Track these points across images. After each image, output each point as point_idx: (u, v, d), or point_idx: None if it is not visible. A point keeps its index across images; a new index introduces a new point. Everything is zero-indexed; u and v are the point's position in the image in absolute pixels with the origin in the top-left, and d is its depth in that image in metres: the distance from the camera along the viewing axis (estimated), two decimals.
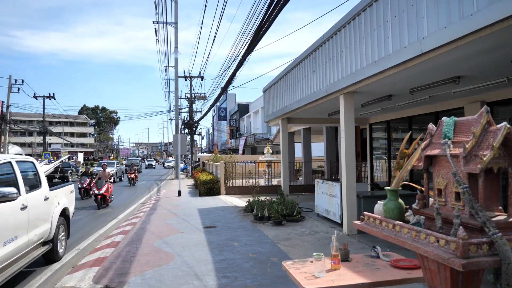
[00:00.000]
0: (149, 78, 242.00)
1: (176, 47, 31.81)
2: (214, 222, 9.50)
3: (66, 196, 7.22)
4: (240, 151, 38.59)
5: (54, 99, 40.01)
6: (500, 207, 2.04)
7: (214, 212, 11.18)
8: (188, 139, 34.56)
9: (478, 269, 1.84)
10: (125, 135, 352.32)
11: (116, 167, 29.76)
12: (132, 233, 8.29)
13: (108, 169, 16.86)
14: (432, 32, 4.85)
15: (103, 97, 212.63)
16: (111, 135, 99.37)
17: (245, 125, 45.13)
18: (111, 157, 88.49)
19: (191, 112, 34.03)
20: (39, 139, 61.53)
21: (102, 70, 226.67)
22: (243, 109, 46.22)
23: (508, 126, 1.92)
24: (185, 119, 36.41)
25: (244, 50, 10.45)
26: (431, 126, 2.34)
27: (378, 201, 2.52)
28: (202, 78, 31.73)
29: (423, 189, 2.39)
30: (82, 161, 63.24)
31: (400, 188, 2.40)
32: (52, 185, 7.12)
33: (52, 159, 37.87)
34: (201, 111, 39.08)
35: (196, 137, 47.88)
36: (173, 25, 31.70)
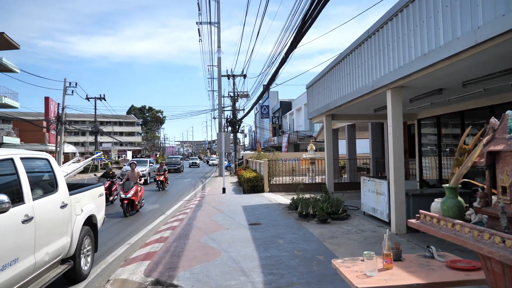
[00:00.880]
0: (193, 78, 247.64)
1: (218, 47, 32.26)
2: (258, 219, 9.55)
3: (93, 201, 6.08)
4: (283, 149, 38.52)
5: (105, 100, 41.99)
6: None
7: (258, 209, 11.23)
8: (231, 137, 35.01)
9: None
10: (171, 133, 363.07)
11: (150, 166, 26.16)
12: (180, 229, 8.51)
13: (138, 168, 14.68)
14: (489, 21, 4.57)
15: (150, 97, 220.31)
16: (157, 134, 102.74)
17: (287, 122, 44.98)
18: (157, 155, 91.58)
19: (234, 110, 34.41)
20: (91, 138, 64.83)
21: (149, 71, 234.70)
22: (286, 106, 46.07)
23: None
24: (228, 117, 36.88)
25: (287, 48, 10.43)
26: (493, 120, 2.20)
27: (435, 199, 2.41)
28: (244, 76, 31.99)
29: (484, 186, 2.26)
30: (130, 159, 65.88)
31: (459, 185, 2.28)
32: (78, 187, 6.21)
33: (103, 157, 39.68)
34: (243, 109, 39.47)
35: (239, 135, 48.39)
36: (216, 25, 32.15)
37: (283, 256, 6.05)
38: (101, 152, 32.60)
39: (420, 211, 2.47)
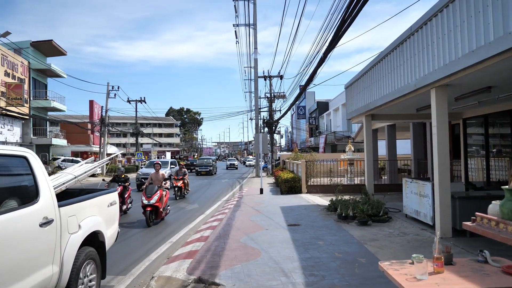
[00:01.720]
0: (229, 80, 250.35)
1: (255, 48, 32.44)
2: (297, 220, 9.52)
3: (100, 212, 4.74)
4: (320, 149, 38.13)
5: (145, 102, 43.28)
6: None
7: (297, 210, 11.19)
8: (268, 138, 35.11)
9: None
10: (208, 134, 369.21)
11: (171, 168, 23.67)
12: (219, 228, 8.63)
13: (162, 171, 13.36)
14: None
15: (188, 99, 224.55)
16: (195, 135, 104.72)
17: (324, 123, 44.48)
18: (195, 156, 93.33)
19: (271, 111, 34.45)
20: (132, 140, 67.06)
21: (187, 73, 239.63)
22: (323, 106, 45.58)
23: None
24: (265, 118, 36.97)
25: (325, 47, 10.33)
26: None
27: (493, 202, 2.31)
28: (281, 77, 31.97)
29: None
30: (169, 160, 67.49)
31: None
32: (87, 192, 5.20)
33: (143, 158, 40.91)
34: (280, 110, 39.42)
35: (276, 136, 48.36)
36: (252, 26, 32.36)
37: (323, 258, 5.99)
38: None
39: (477, 213, 2.38)
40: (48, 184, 3.77)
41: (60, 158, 35.94)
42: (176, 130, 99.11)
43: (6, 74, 28.63)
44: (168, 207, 11.30)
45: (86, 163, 7.27)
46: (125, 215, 11.72)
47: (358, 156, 18.15)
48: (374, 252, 6.32)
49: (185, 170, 17.38)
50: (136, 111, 43.37)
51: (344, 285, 4.79)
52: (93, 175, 33.14)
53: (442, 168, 7.29)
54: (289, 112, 49.42)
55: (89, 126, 42.26)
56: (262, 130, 36.97)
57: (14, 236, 3.12)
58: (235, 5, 30.80)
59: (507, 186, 2.21)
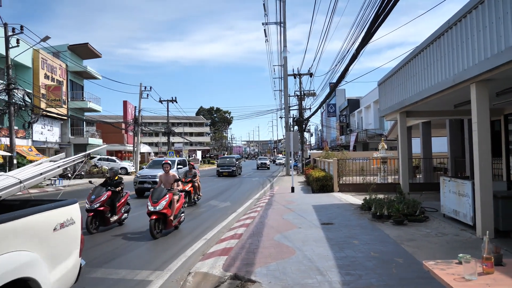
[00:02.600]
0: (258, 78, 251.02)
1: (284, 46, 32.32)
2: (330, 219, 9.43)
3: (34, 243, 2.96)
4: (351, 148, 37.57)
5: (176, 102, 44.03)
6: None
7: (329, 209, 11.08)
8: (298, 136, 34.94)
9: None
10: (237, 133, 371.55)
11: (178, 168, 19.15)
12: (252, 226, 8.68)
13: (156, 172, 13.36)
14: None
15: (217, 98, 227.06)
16: (225, 134, 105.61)
17: (355, 120, 43.79)
18: (225, 155, 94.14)
19: (301, 110, 34.26)
20: (164, 139, 68.43)
21: (216, 73, 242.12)
22: (353, 104, 44.89)
23: None
24: (295, 116, 36.80)
25: (357, 44, 10.16)
26: None
27: None
28: (311, 75, 31.74)
29: None
30: (200, 159, 68.45)
31: None
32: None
33: (175, 156, 41.67)
34: (310, 108, 39.15)
35: (305, 134, 48.01)
36: (281, 24, 32.26)
37: (359, 257, 5.91)
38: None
39: None
40: None
41: (96, 157, 37.15)
42: (206, 129, 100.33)
43: (46, 76, 29.88)
44: (182, 214, 9.43)
45: (48, 161, 5.41)
46: (107, 231, 9.11)
47: (392, 154, 17.76)
48: (411, 252, 6.17)
49: (196, 171, 14.67)
50: (167, 110, 44.22)
51: (381, 285, 4.71)
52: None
53: (483, 166, 7.03)
54: (319, 110, 49.00)
55: (123, 125, 43.46)
56: (292, 129, 36.83)
57: None
58: (264, 4, 30.81)
59: None
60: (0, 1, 19.16)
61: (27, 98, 22.89)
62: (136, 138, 38.89)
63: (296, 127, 36.19)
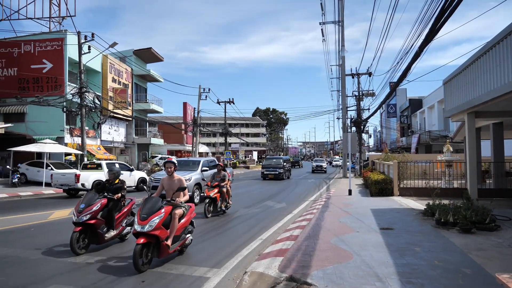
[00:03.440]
0: (315, 79, 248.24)
1: (342, 45, 31.68)
2: (390, 223, 9.07)
3: None
4: (413, 150, 35.90)
5: (233, 103, 44.87)
6: None
7: (389, 213, 10.67)
8: (356, 137, 34.05)
9: None
10: (293, 134, 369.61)
11: (203, 170, 15.29)
12: (308, 228, 8.59)
13: (185, 175, 11.95)
14: None
15: (274, 99, 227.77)
16: (281, 135, 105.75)
17: (417, 121, 41.77)
18: (281, 155, 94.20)
19: (359, 110, 33.37)
20: (221, 139, 70.00)
21: (272, 74, 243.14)
22: (415, 104, 42.84)
23: None
24: (353, 117, 35.92)
25: (420, 41, 9.67)
26: None
27: None
28: (370, 74, 30.82)
29: None
30: (256, 159, 69.02)
31: None
32: None
33: (232, 157, 42.38)
34: (369, 109, 38.02)
35: (364, 136, 46.65)
36: (339, 23, 31.65)
37: (421, 265, 5.62)
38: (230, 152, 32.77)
39: None
40: None
41: (157, 156, 38.92)
42: (263, 130, 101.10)
43: (113, 80, 31.83)
44: (189, 235, 6.84)
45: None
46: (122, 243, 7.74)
47: (458, 157, 16.72)
48: (481, 263, 5.75)
49: (226, 173, 11.98)
50: (225, 111, 45.17)
51: None
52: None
53: None
54: (378, 111, 47.50)
55: (183, 126, 45.10)
56: (350, 130, 35.98)
57: None
58: (321, 3, 30.44)
59: None
60: (75, 11, 20.69)
61: (96, 101, 24.55)
62: (194, 138, 40.18)
63: (354, 128, 35.31)
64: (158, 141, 40.26)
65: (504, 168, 15.71)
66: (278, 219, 10.87)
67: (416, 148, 36.29)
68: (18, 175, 20.43)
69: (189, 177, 13.94)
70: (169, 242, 6.00)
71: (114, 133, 32.82)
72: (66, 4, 32.01)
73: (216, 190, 11.35)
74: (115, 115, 30.30)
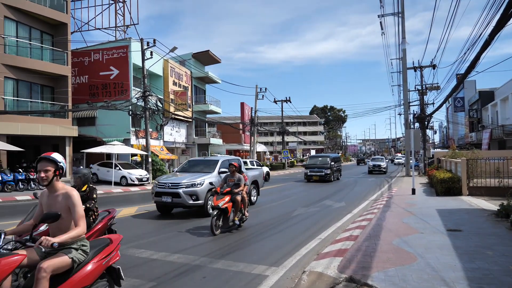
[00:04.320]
0: (374, 74, 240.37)
1: (403, 38, 30.29)
2: (458, 225, 8.53)
3: None
4: (484, 146, 33.44)
5: (290, 102, 44.77)
6: None
7: (457, 214, 10.04)
8: (420, 134, 32.41)
9: None
10: (352, 132, 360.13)
11: (220, 172, 12.04)
12: (369, 228, 8.34)
13: (195, 178, 10.76)
14: None
15: (331, 97, 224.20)
16: (339, 133, 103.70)
17: (489, 115, 38.83)
18: (340, 154, 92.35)
19: (422, 105, 31.73)
20: (278, 138, 70.16)
21: (329, 71, 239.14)
22: (486, 97, 39.85)
23: None
24: (415, 112, 34.25)
25: (490, 29, 8.98)
26: None
27: None
28: (434, 67, 29.19)
29: None
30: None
31: None
32: None
33: (289, 155, 42.35)
34: (433, 103, 36.04)
35: (428, 132, 44.28)
36: (399, 15, 30.30)
37: (494, 270, 5.23)
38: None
39: None
40: None
41: (217, 155, 39.93)
42: (320, 128, 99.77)
43: (174, 83, 33.16)
44: None
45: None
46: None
47: None
48: None
49: (241, 175, 9.35)
50: (282, 110, 45.19)
51: None
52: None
53: None
54: (444, 105, 44.83)
55: (241, 126, 45.84)
56: (413, 126, 34.36)
57: None
58: None
59: None
60: (137, 19, 21.85)
61: (159, 103, 25.74)
62: (252, 137, 40.66)
63: (417, 124, 33.65)
64: (217, 141, 41.30)
65: None
66: (337, 219, 10.67)
67: (488, 144, 33.76)
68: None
69: (201, 181, 11.06)
70: None
71: (175, 134, 34.19)
72: (130, 13, 33.97)
73: (227, 199, 8.76)
74: (176, 116, 31.54)
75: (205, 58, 38.42)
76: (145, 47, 24.06)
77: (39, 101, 23.93)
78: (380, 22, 31.34)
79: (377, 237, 7.40)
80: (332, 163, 26.55)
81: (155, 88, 29.04)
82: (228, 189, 8.95)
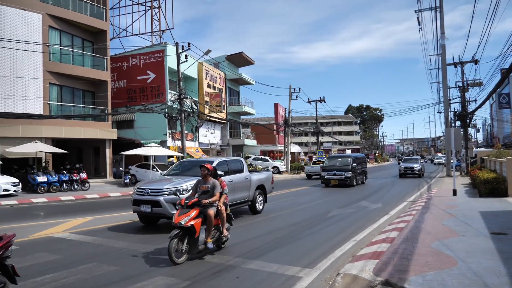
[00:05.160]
0: (411, 71, 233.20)
1: (442, 33, 29.19)
2: (503, 228, 8.11)
3: None
4: None
5: (324, 102, 44.21)
6: None
7: (502, 216, 9.55)
8: (461, 132, 31.09)
9: None
10: (389, 131, 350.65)
11: (239, 179, 11.14)
12: (406, 231, 8.10)
13: (181, 183, 9.02)
14: None
15: (367, 96, 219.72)
16: (375, 132, 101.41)
17: None
18: (376, 154, 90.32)
19: (464, 102, 30.44)
20: (313, 139, 69.53)
21: (364, 69, 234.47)
22: None
23: None
24: (456, 110, 32.92)
25: None
26: None
27: None
28: (476, 62, 27.93)
29: None
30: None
31: None
32: None
33: (324, 156, 41.89)
34: (475, 100, 34.50)
35: (470, 130, 42.40)
36: (438, 9, 29.23)
37: None
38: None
39: None
40: None
41: (251, 156, 40.11)
42: (356, 128, 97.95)
43: (208, 85, 33.66)
44: None
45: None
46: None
47: None
48: None
49: (216, 181, 7.09)
50: (316, 110, 44.72)
51: None
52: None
53: None
54: (487, 102, 42.81)
55: (274, 127, 45.81)
56: (453, 124, 33.03)
57: None
58: None
59: None
60: (172, 24, 22.34)
61: (194, 106, 26.20)
62: (286, 138, 40.52)
63: (458, 122, 32.32)
64: (251, 142, 41.50)
65: None
66: (373, 220, 10.44)
67: None
68: (129, 176, 22.69)
69: (187, 186, 8.99)
70: None
71: (210, 135, 34.68)
72: (165, 19, 34.83)
73: (193, 213, 6.45)
74: (211, 118, 31.98)
75: (239, 60, 38.73)
76: (180, 50, 24.57)
77: (81, 105, 25.01)
78: (417, 18, 30.37)
79: (415, 240, 7.17)
80: (354, 164, 22.95)
81: (190, 91, 29.60)
82: (195, 199, 6.72)
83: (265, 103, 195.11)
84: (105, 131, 24.99)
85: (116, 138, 25.90)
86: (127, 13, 35.85)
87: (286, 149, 40.60)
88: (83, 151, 27.70)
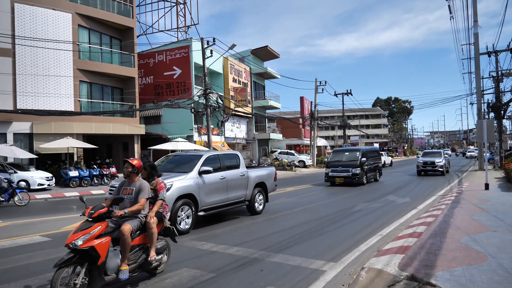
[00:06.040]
0: (443, 62, 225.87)
1: (475, 21, 28.09)
2: None
3: None
4: None
5: (351, 94, 43.53)
6: None
7: None
8: (495, 124, 29.93)
9: None
10: (419, 124, 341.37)
11: (202, 173, 8.96)
12: (435, 225, 7.91)
13: (165, 179, 7.19)
14: None
15: (395, 88, 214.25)
16: (404, 125, 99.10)
17: None
18: (405, 147, 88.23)
19: (498, 93, 29.27)
20: (339, 132, 68.71)
21: (393, 61, 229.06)
22: None
23: None
24: (490, 101, 31.70)
25: None
26: None
27: None
28: (511, 50, 26.74)
29: None
30: None
31: None
32: None
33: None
34: (510, 91, 33.11)
35: (505, 122, 40.73)
36: None
37: None
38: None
39: None
40: None
41: (277, 151, 40.07)
42: (384, 121, 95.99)
43: (234, 80, 33.77)
44: None
45: None
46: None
47: None
48: None
49: (144, 183, 5.31)
50: (343, 103, 44.11)
51: None
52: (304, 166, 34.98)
53: None
54: None
55: (300, 120, 45.53)
56: (487, 116, 31.85)
57: None
58: None
59: None
60: (198, 19, 22.52)
61: (219, 100, 26.39)
62: (312, 132, 40.23)
63: (491, 114, 31.14)
64: (277, 136, 41.42)
65: None
66: (400, 215, 10.25)
67: None
68: None
69: (170, 184, 8.01)
70: None
71: (236, 130, 34.86)
72: (191, 14, 35.12)
73: (96, 229, 4.60)
74: (236, 113, 32.11)
75: (264, 53, 38.62)
76: (205, 46, 24.74)
77: (110, 102, 25.65)
78: (449, 6, 29.51)
79: (443, 235, 7.00)
80: (364, 159, 19.55)
81: (216, 86, 29.80)
82: (104, 209, 4.76)
83: (291, 97, 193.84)
84: (133, 127, 25.56)
85: (144, 133, 26.44)
86: (153, 10, 36.35)
87: (312, 142, 40.31)
88: (112, 146, 28.44)
